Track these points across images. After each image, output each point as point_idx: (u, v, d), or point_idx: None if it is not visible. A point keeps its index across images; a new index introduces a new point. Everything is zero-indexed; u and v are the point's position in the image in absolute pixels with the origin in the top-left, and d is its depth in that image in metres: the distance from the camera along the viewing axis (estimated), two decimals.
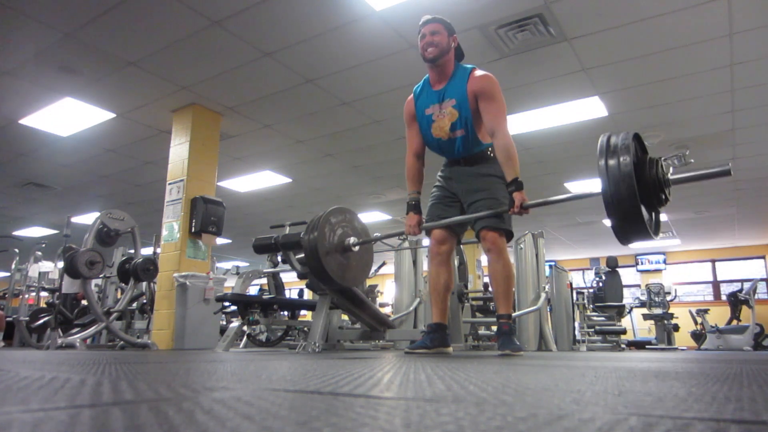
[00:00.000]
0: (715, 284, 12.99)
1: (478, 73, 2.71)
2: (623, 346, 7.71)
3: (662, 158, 2.16)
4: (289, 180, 7.82)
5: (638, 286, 12.79)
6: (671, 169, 2.16)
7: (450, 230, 2.87)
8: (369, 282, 6.15)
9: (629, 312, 9.55)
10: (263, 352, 3.51)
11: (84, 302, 5.92)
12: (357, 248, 3.05)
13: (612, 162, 2.04)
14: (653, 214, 2.21)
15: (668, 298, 9.12)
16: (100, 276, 4.85)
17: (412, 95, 2.91)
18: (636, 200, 1.99)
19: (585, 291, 8.35)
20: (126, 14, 3.97)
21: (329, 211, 3.01)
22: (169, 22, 4.08)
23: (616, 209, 2.03)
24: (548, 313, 5.73)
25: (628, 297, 10.33)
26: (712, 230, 10.91)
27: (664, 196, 2.14)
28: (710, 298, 12.82)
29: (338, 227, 3.05)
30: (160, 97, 5.34)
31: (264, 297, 4.79)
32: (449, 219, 2.79)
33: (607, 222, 10.75)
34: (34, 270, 6.56)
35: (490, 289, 6.11)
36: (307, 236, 2.93)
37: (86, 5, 3.87)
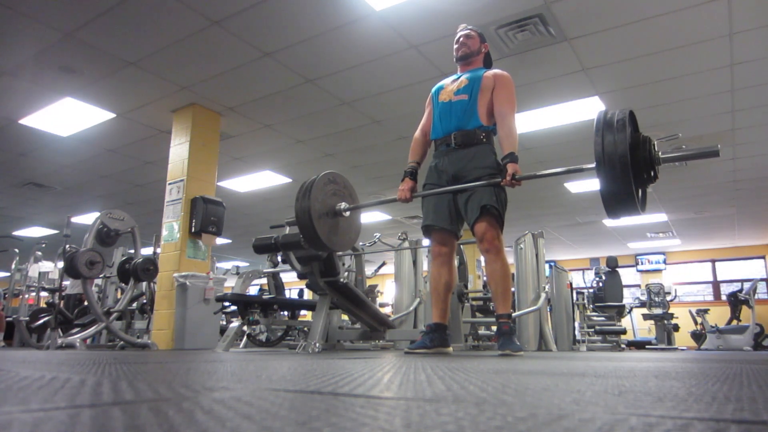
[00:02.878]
0: (715, 284, 12.99)
1: (498, 69, 3.01)
2: (623, 346, 7.71)
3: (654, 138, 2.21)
4: (289, 180, 7.82)
5: (638, 286, 12.79)
6: (660, 149, 2.20)
7: (450, 231, 2.87)
8: (369, 282, 6.15)
9: (629, 312, 9.55)
10: (263, 352, 3.51)
11: (85, 302, 5.92)
12: (347, 213, 3.05)
13: (608, 138, 2.09)
14: (641, 190, 2.26)
15: (668, 298, 9.13)
16: (100, 276, 4.85)
17: (436, 86, 3.10)
18: (629, 178, 2.05)
19: (585, 291, 8.34)
20: (126, 14, 3.97)
21: (320, 176, 2.98)
22: (169, 22, 4.08)
23: (609, 185, 2.10)
24: (548, 313, 5.73)
25: (628, 297, 10.33)
26: (712, 230, 10.91)
27: (653, 173, 2.20)
28: (710, 298, 12.82)
29: (330, 192, 3.03)
30: (160, 97, 5.34)
31: (264, 297, 4.79)
32: (441, 189, 2.83)
33: (608, 222, 10.75)
34: (34, 270, 6.57)
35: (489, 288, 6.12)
36: (298, 201, 2.92)
37: (86, 5, 3.87)
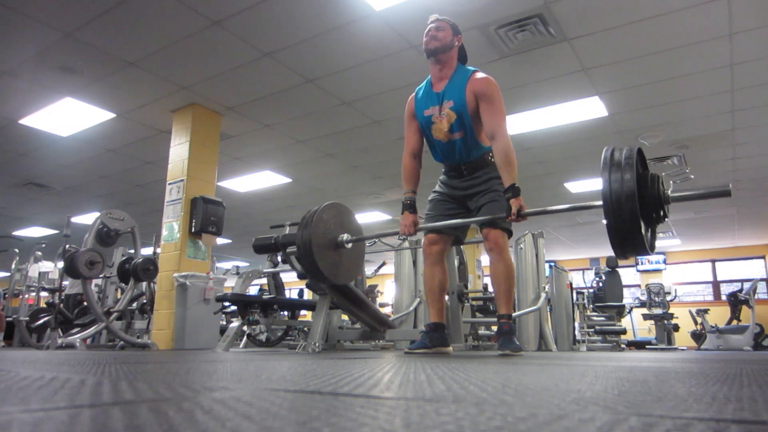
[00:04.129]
0: (715, 284, 12.99)
1: (479, 75, 2.70)
2: (623, 346, 7.71)
3: (662, 175, 2.16)
4: (289, 180, 7.82)
5: (638, 286, 12.79)
6: (671, 186, 2.16)
7: (444, 231, 2.87)
8: (369, 282, 6.15)
9: (629, 312, 9.55)
10: (263, 352, 3.51)
11: (85, 302, 5.92)
12: (350, 245, 3.02)
13: (615, 177, 2.04)
14: (650, 229, 2.21)
15: (668, 298, 9.13)
16: (100, 276, 4.85)
17: (413, 94, 2.91)
18: (637, 218, 1.99)
19: (585, 291, 8.34)
20: (126, 14, 3.97)
21: (322, 207, 2.99)
22: (169, 22, 4.08)
23: (616, 224, 2.04)
24: (548, 313, 5.73)
25: (628, 297, 10.33)
26: (712, 230, 10.91)
27: (663, 213, 2.14)
28: (710, 298, 12.82)
29: (331, 223, 3.01)
30: (160, 97, 5.34)
31: (264, 297, 4.79)
32: (445, 222, 2.79)
33: None
34: (34, 270, 6.57)
35: (490, 289, 6.12)
36: (300, 232, 2.90)
37: (86, 5, 3.87)
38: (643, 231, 2.04)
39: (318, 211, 2.92)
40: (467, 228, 2.95)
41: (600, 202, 2.11)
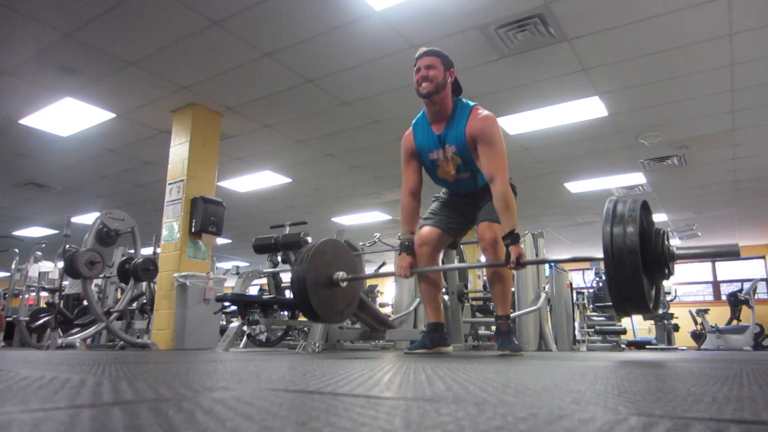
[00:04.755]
0: (715, 284, 12.99)
1: (477, 114, 2.61)
2: (623, 346, 7.70)
3: (668, 230, 2.10)
4: (289, 180, 7.82)
5: None
6: (678, 242, 2.09)
7: (443, 230, 2.85)
8: (369, 282, 6.15)
9: None
10: (263, 352, 3.51)
11: (85, 302, 5.92)
12: (345, 284, 2.92)
13: (617, 231, 1.95)
14: (655, 286, 2.12)
15: (668, 298, 9.12)
16: (100, 276, 4.85)
17: (410, 130, 2.82)
18: (639, 275, 1.90)
19: (585, 291, 8.34)
20: (126, 14, 3.97)
21: (319, 243, 2.91)
22: (169, 22, 4.08)
23: (617, 281, 1.95)
24: (548, 313, 5.73)
25: None
26: (712, 230, 10.91)
27: (667, 270, 2.05)
28: (710, 298, 12.82)
29: (327, 260, 2.91)
30: (160, 97, 5.34)
31: (264, 297, 4.79)
32: (439, 267, 2.83)
33: None
34: (34, 270, 6.57)
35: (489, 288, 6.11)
36: (294, 268, 2.82)
37: (86, 5, 3.87)
38: (645, 289, 1.94)
39: (314, 247, 2.84)
40: (464, 232, 2.94)
41: (601, 255, 2.02)
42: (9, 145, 6.46)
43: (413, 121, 2.82)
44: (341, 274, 2.89)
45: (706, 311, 9.34)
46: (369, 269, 6.73)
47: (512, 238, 2.44)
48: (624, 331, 7.80)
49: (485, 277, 6.59)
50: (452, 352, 2.89)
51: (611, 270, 1.95)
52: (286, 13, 3.97)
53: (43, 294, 6.88)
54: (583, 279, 9.92)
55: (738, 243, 2.01)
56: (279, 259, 4.61)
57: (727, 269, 12.98)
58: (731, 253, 2.00)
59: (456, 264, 2.72)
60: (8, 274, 8.13)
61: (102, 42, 4.34)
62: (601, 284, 8.74)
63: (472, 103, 2.68)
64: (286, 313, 5.24)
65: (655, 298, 2.12)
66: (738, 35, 4.13)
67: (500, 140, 2.58)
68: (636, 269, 1.90)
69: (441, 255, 2.99)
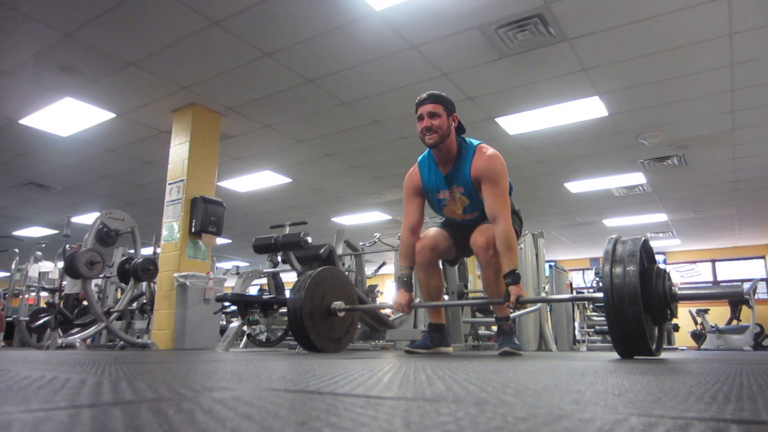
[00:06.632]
0: (715, 284, 12.97)
1: (482, 154, 2.62)
2: None
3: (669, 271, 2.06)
4: (289, 180, 7.82)
5: None
6: (679, 282, 2.07)
7: (452, 242, 2.84)
8: (369, 282, 6.14)
9: None
10: (263, 352, 3.51)
11: (84, 302, 5.92)
12: (342, 314, 2.91)
13: (617, 270, 1.92)
14: (657, 328, 2.08)
15: None
16: (100, 276, 4.85)
17: (416, 168, 2.81)
18: (640, 317, 1.86)
19: (585, 291, 8.34)
20: (126, 14, 3.97)
21: (317, 272, 2.91)
22: (169, 22, 4.08)
23: (618, 322, 1.91)
24: (548, 313, 5.73)
25: None
26: (712, 230, 10.91)
27: (669, 312, 2.01)
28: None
29: (325, 289, 2.90)
30: (160, 97, 5.34)
31: (264, 297, 4.79)
32: (438, 302, 2.85)
33: (608, 222, 10.71)
34: (34, 270, 6.57)
35: None
36: (292, 296, 2.81)
37: (86, 5, 3.87)
38: (647, 332, 1.90)
39: (312, 276, 2.83)
40: (465, 254, 2.94)
41: (600, 294, 1.99)
42: (9, 145, 6.46)
43: (419, 159, 2.82)
44: (339, 304, 2.86)
45: (706, 311, 9.34)
46: (369, 269, 6.73)
47: (513, 277, 2.46)
48: None
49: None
50: (452, 352, 2.89)
51: (611, 315, 1.90)
52: (286, 13, 3.97)
53: (43, 294, 6.88)
54: (583, 279, 9.93)
55: (743, 285, 1.98)
56: (279, 259, 4.61)
57: (727, 269, 12.98)
58: (736, 295, 1.97)
59: (456, 301, 2.78)
60: (8, 274, 8.14)
61: (102, 42, 4.34)
62: (601, 284, 8.73)
63: (476, 142, 2.69)
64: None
65: (656, 340, 2.06)
66: (738, 35, 4.13)
67: (504, 178, 2.60)
68: (636, 311, 1.84)
69: (440, 262, 2.97)
